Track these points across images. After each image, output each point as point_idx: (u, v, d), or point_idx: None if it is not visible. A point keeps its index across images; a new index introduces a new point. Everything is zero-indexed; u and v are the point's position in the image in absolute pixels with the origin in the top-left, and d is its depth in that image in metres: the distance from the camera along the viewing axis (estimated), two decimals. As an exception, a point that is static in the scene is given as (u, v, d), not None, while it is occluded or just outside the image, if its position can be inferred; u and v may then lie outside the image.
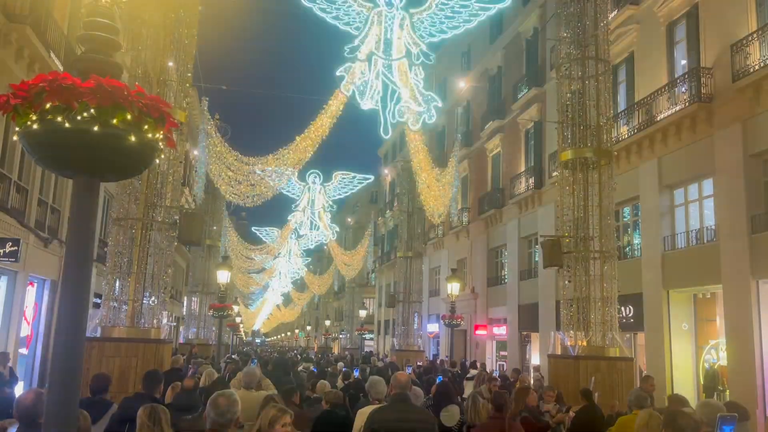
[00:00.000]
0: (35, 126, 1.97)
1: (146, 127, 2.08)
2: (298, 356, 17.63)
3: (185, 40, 12.39)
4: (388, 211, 37.73)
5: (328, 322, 50.50)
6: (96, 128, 1.94)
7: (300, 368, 14.06)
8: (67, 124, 1.92)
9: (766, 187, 12.16)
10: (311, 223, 28.30)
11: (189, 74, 12.84)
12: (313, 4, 12.95)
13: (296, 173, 19.05)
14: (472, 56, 27.50)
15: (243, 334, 48.33)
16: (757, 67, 11.57)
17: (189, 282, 25.80)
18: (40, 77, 2.02)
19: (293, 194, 27.30)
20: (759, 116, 11.95)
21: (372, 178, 32.27)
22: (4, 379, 8.77)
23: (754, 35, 11.85)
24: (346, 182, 27.53)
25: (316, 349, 31.09)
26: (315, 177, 27.94)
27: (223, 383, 7.62)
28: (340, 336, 43.74)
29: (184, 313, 24.46)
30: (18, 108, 1.97)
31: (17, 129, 2.05)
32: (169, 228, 11.80)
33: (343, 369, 13.08)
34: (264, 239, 36.25)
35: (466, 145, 25.85)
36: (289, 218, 28.48)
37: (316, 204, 27.72)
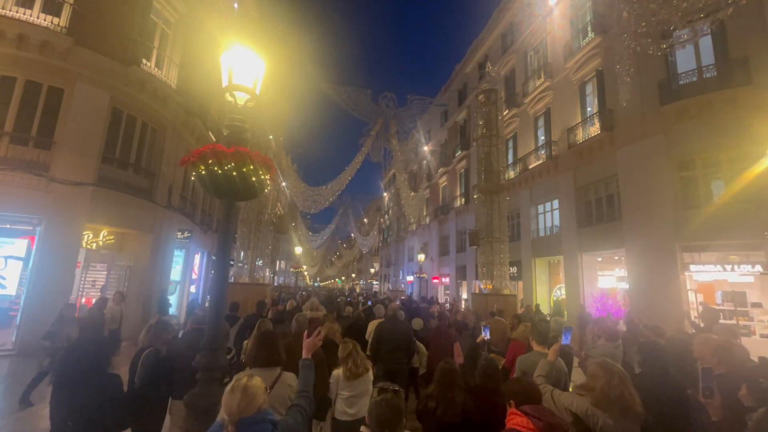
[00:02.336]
0: (203, 172, 2.62)
1: (260, 172, 2.75)
2: (348, 298, 16.42)
3: (278, 124, 14.80)
4: (386, 215, 40.91)
5: (354, 275, 56.50)
6: (234, 173, 2.62)
7: (338, 299, 14.80)
8: (219, 171, 2.59)
9: (586, 204, 14.25)
10: (384, 149, 20.47)
11: (281, 139, 15.82)
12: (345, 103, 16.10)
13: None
14: (432, 133, 31.80)
15: (307, 279, 51.13)
16: (580, 141, 14.09)
17: (279, 253, 27.66)
18: (205, 147, 2.69)
19: (365, 117, 18.64)
20: (581, 167, 14.27)
21: (447, 105, 27.32)
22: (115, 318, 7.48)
23: (579, 124, 14.46)
24: (423, 107, 20.36)
25: (358, 290, 33.21)
26: (389, 101, 19.00)
27: (299, 309, 7.58)
28: (360, 282, 48.16)
29: (277, 269, 26.01)
30: (194, 163, 2.64)
31: (193, 174, 2.72)
32: (269, 224, 13.79)
33: (365, 301, 14.80)
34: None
35: (428, 178, 30.56)
36: (360, 142, 19.18)
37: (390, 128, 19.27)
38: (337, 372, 3.33)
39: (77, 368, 2.12)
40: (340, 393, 3.26)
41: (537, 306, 13.60)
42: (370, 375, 3.37)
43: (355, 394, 3.25)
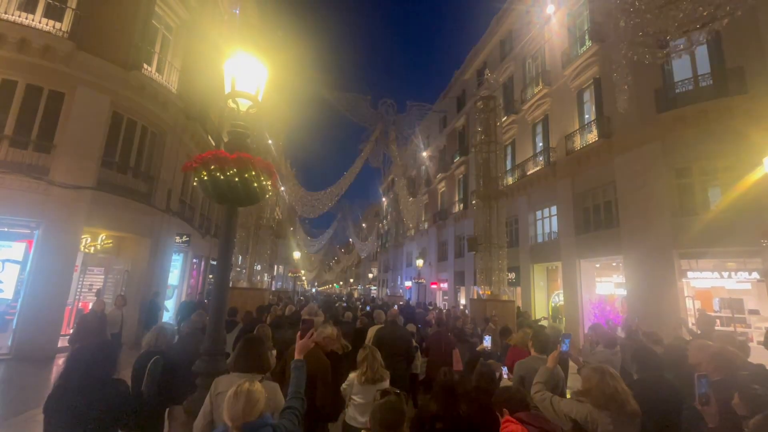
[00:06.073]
0: (205, 178, 2.71)
1: (262, 178, 2.85)
2: (345, 303, 15.96)
3: (278, 129, 15.00)
4: (384, 220, 41.29)
5: (351, 280, 56.61)
6: (237, 179, 2.71)
7: (336, 304, 14.72)
8: (221, 177, 2.68)
9: (584, 210, 14.35)
10: (383, 155, 20.68)
11: (280, 144, 15.99)
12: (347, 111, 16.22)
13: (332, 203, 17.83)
14: (430, 139, 31.68)
15: (305, 284, 50.79)
16: (578, 148, 14.24)
17: (278, 257, 27.18)
18: (208, 152, 2.79)
19: (364, 123, 18.44)
20: (579, 174, 14.39)
21: (445, 111, 27.51)
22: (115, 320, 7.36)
23: (577, 131, 14.60)
24: (421, 113, 20.51)
25: (356, 296, 33.34)
26: (388, 107, 18.99)
27: (298, 314, 7.79)
28: (358, 287, 48.21)
29: (275, 274, 26.48)
30: (196, 168, 2.74)
31: (195, 179, 2.80)
32: (268, 229, 14.09)
33: (364, 306, 15.17)
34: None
35: (427, 184, 30.56)
36: (360, 146, 19.50)
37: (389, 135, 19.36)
38: (353, 375, 3.30)
39: (84, 373, 2.10)
40: (353, 398, 3.23)
41: (517, 308, 13.34)
42: (386, 385, 3.21)
43: (367, 402, 3.16)
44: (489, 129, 13.94)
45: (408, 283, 28.68)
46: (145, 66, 11.26)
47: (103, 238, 10.95)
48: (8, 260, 8.84)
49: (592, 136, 13.82)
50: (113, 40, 10.34)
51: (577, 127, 14.83)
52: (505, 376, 4.32)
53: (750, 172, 9.18)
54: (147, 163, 11.87)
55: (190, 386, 2.75)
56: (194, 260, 16.30)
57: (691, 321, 9.22)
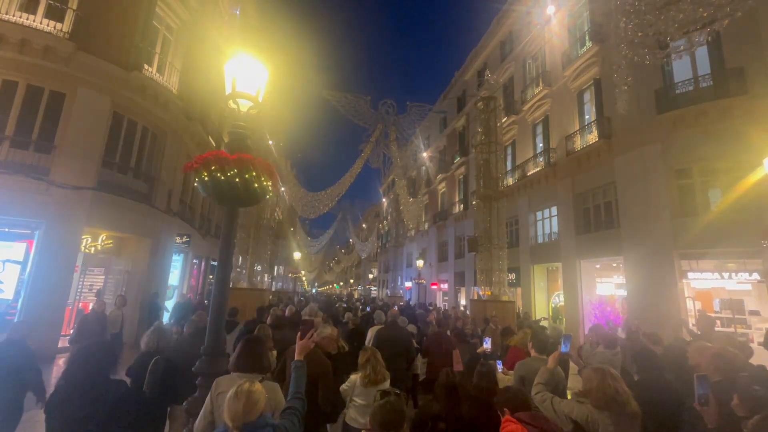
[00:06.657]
0: (206, 178, 2.73)
1: (262, 178, 2.86)
2: (345, 304, 15.97)
3: (279, 130, 15.27)
4: (384, 220, 41.18)
5: (352, 281, 56.55)
6: (237, 179, 2.73)
7: (336, 305, 15.14)
8: (222, 177, 2.70)
9: (584, 211, 14.34)
10: (383, 155, 19.59)
11: (281, 145, 16.41)
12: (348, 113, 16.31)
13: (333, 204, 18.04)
14: (431, 139, 31.81)
15: (305, 284, 50.73)
16: (578, 148, 14.23)
17: (278, 257, 27.55)
18: (208, 153, 2.81)
19: (364, 124, 17.93)
20: (580, 174, 14.37)
21: (446, 112, 27.66)
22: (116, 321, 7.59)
23: (577, 132, 14.60)
24: (422, 114, 19.35)
25: (356, 296, 33.41)
26: (388, 108, 18.38)
27: (298, 314, 7.91)
28: (358, 288, 48.29)
29: (275, 274, 26.12)
30: (197, 169, 2.76)
31: (196, 180, 2.82)
32: (268, 229, 14.44)
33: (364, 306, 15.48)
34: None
35: (427, 184, 30.52)
36: (360, 147, 18.66)
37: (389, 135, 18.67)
38: (355, 377, 3.30)
39: (85, 374, 2.10)
40: (354, 399, 3.23)
41: (517, 313, 13.42)
42: (387, 386, 3.19)
43: (368, 403, 3.16)
44: (489, 129, 14.02)
45: (408, 284, 28.73)
46: (146, 67, 11.29)
47: (104, 238, 10.96)
48: (9, 260, 8.84)
49: (593, 137, 13.82)
50: (114, 41, 10.37)
51: (578, 128, 14.82)
52: (500, 370, 4.33)
53: (750, 173, 9.17)
54: (147, 163, 11.89)
55: (190, 386, 2.76)
56: (194, 260, 16.30)
57: (691, 322, 9.21)
